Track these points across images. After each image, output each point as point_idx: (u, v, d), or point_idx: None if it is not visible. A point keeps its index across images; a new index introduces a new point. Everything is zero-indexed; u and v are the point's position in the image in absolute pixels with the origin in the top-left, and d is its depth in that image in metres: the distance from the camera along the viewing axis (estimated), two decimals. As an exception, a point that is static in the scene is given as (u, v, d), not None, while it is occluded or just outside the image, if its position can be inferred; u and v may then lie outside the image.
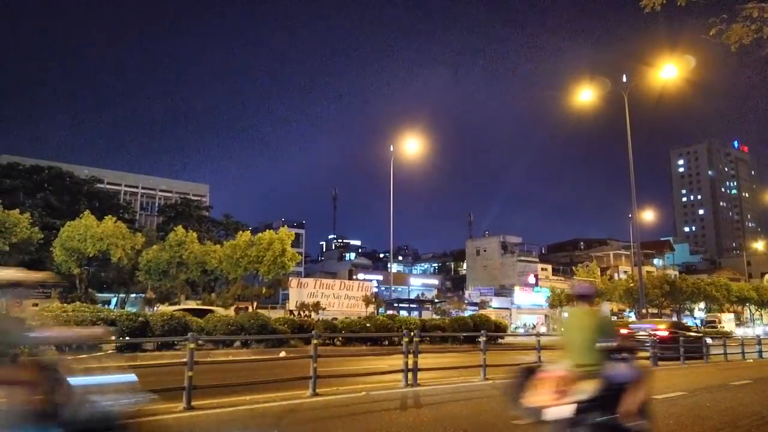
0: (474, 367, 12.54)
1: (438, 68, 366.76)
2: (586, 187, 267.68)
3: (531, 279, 73.11)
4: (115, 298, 41.30)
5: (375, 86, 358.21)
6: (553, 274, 77.49)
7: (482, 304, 63.47)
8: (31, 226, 26.19)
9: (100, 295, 38.09)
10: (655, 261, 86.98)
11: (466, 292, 72.76)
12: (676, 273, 74.55)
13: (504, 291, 71.54)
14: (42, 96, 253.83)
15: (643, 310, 42.91)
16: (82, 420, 3.32)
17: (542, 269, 77.59)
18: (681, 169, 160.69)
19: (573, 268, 63.92)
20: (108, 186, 63.62)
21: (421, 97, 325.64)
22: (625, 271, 71.07)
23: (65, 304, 16.59)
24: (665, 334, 20.18)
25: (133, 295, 39.74)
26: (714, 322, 56.21)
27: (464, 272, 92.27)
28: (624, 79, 34.26)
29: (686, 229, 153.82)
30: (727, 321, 59.03)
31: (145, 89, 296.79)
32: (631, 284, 53.20)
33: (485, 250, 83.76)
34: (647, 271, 65.03)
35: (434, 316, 44.35)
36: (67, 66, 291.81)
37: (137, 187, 75.68)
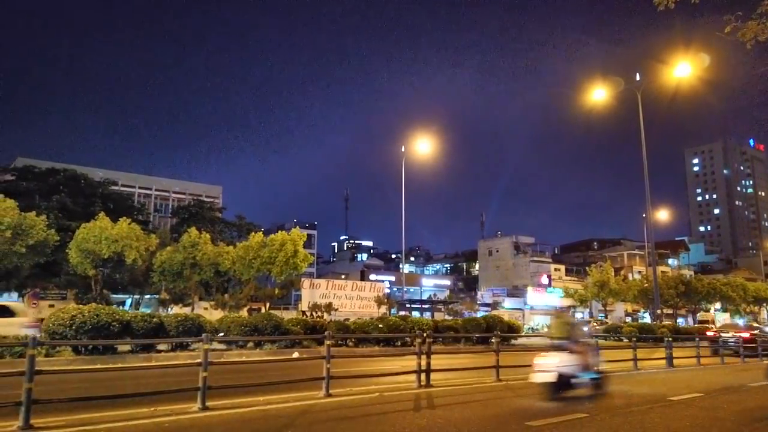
0: (487, 368, 12.50)
1: (450, 68, 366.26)
2: (599, 186, 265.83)
3: (544, 279, 72.74)
4: (130, 300, 41.68)
5: (387, 87, 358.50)
6: (566, 275, 77.02)
7: (495, 305, 63.25)
8: (47, 228, 26.46)
9: (114, 296, 38.45)
10: (670, 261, 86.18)
11: (479, 293, 72.56)
12: (692, 273, 73.78)
13: (517, 292, 71.24)
14: (56, 99, 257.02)
15: (658, 311, 42.52)
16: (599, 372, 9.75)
17: (555, 269, 77.15)
18: (696, 168, 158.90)
19: (586, 268, 63.44)
20: (122, 188, 64.23)
21: (433, 98, 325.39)
22: (640, 272, 70.47)
23: (81, 305, 16.75)
24: (747, 335, 25.56)
25: (147, 297, 40.08)
26: (707, 322, 54.87)
27: (476, 273, 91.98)
28: (637, 77, 33.98)
29: (701, 228, 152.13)
30: (722, 321, 57.67)
31: (158, 92, 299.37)
32: (646, 284, 52.75)
33: (498, 251, 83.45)
34: (662, 272, 64.43)
35: (447, 317, 44.29)
36: (81, 70, 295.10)
37: (151, 189, 76.33)
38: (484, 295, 70.03)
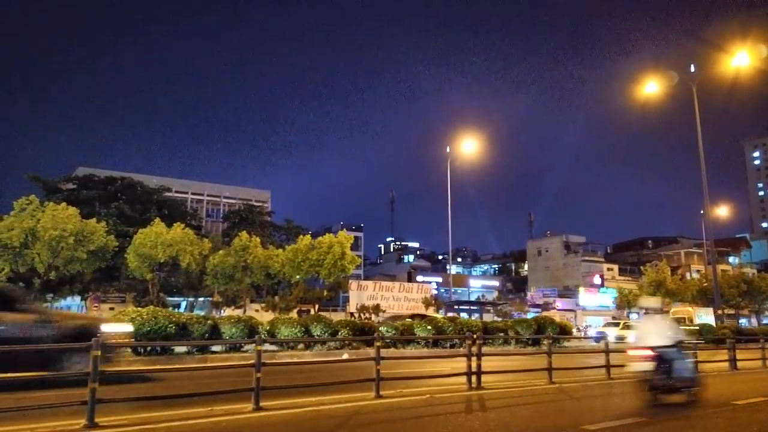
0: (539, 371, 12.26)
1: (497, 68, 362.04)
2: (653, 183, 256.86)
3: (596, 279, 70.87)
4: (185, 302, 43.00)
5: (433, 88, 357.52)
6: (619, 274, 74.81)
7: (545, 306, 62.05)
8: (107, 234, 27.56)
9: (170, 299, 39.75)
10: (731, 259, 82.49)
11: (528, 294, 71.31)
12: (754, 271, 70.32)
13: (568, 292, 69.66)
14: (114, 110, 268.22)
15: (719, 311, 40.74)
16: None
17: (608, 269, 75.05)
18: (756, 162, 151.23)
19: (641, 267, 61.45)
20: (176, 194, 66.32)
21: (479, 97, 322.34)
22: (698, 271, 67.72)
23: (140, 308, 17.39)
24: None
25: (201, 299, 41.25)
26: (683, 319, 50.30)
27: (525, 273, 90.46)
28: (692, 69, 32.72)
29: (764, 224, 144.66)
30: (706, 316, 50.23)
31: (209, 101, 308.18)
32: (705, 284, 50.71)
33: (547, 251, 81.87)
34: (722, 270, 61.74)
35: (496, 318, 43.72)
36: (138, 81, 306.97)
37: (203, 195, 78.55)
38: (533, 295, 68.77)
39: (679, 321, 45.21)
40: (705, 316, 48.13)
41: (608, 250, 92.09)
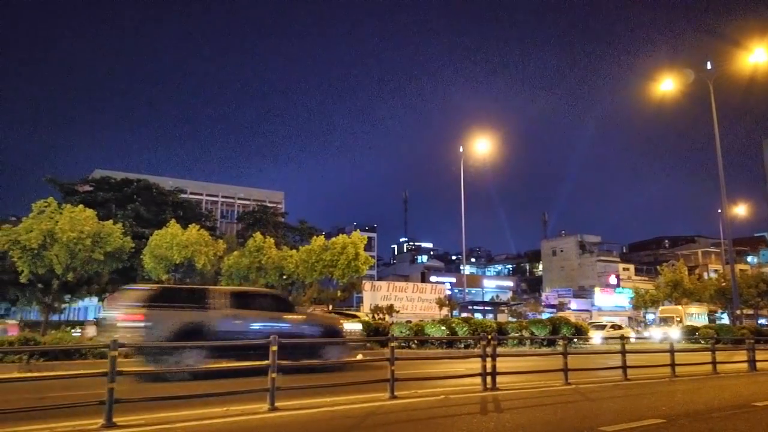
0: (555, 371, 12.18)
1: (510, 67, 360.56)
2: (670, 182, 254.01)
3: (612, 279, 70.29)
4: (200, 303, 43.28)
5: (447, 88, 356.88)
6: (636, 274, 74.14)
7: (560, 306, 61.67)
8: (123, 236, 27.83)
9: (186, 300, 40.01)
10: (749, 258, 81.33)
11: (543, 294, 70.96)
12: (774, 271, 69.25)
13: (583, 292, 69.17)
14: (130, 112, 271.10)
15: (738, 311, 40.18)
16: None
17: (624, 269, 74.41)
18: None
19: (657, 267, 60.81)
20: (191, 196, 66.82)
21: (493, 97, 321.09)
22: (716, 270, 66.85)
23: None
24: None
25: (216, 300, 41.48)
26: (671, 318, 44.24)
27: (540, 273, 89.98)
28: (708, 66, 32.32)
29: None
30: (698, 316, 46.78)
31: (222, 102, 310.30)
32: (723, 284, 50.01)
33: (562, 251, 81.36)
34: (740, 270, 60.85)
35: (510, 319, 43.52)
36: (154, 85, 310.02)
37: (217, 196, 79.11)
38: (548, 296, 68.39)
39: (667, 321, 44.31)
40: (698, 317, 46.60)
41: (624, 250, 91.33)
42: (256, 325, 13.32)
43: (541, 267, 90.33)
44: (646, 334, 31.87)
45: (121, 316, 11.99)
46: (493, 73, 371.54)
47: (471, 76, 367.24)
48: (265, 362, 8.37)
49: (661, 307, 48.38)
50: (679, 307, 47.11)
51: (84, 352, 13.92)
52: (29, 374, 11.92)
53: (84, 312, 49.11)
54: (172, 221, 31.18)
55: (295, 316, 14.16)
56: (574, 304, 64.54)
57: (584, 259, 77.54)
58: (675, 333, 33.71)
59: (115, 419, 6.90)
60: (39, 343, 13.56)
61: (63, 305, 32.78)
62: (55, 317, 34.77)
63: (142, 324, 11.91)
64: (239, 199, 79.85)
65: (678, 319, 43.03)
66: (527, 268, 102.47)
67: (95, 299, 38.03)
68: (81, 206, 26.72)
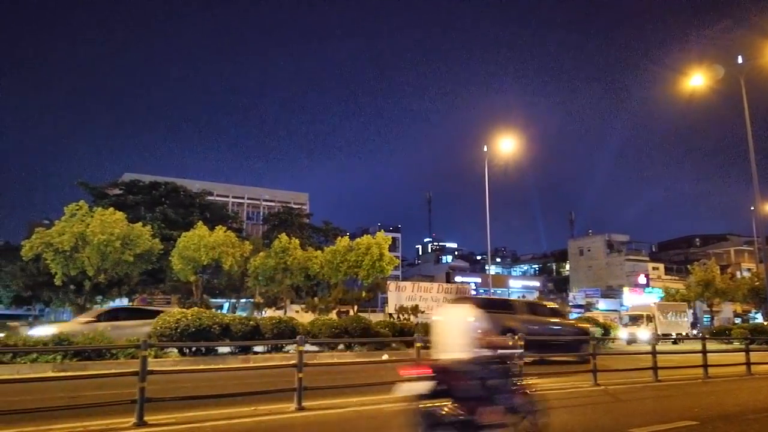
0: (583, 372, 12.02)
1: (535, 63, 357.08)
2: (700, 179, 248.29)
3: (641, 279, 69.04)
4: (227, 303, 43.85)
5: (471, 88, 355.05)
6: (666, 274, 72.71)
7: (588, 307, 60.81)
8: (152, 238, 28.30)
9: (213, 300, 40.58)
10: (785, 257, 78.97)
11: (570, 294, 70.08)
12: (811, 269, 67.18)
13: (611, 292, 68.10)
14: (159, 116, 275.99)
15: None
16: None
17: (653, 268, 73.05)
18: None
19: (688, 266, 59.53)
20: (217, 198, 67.71)
21: (517, 95, 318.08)
22: (749, 269, 65.14)
23: (185, 310, 17.81)
24: None
25: (243, 300, 41.97)
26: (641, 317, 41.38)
27: (567, 273, 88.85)
28: (740, 60, 31.53)
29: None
30: (677, 317, 42.84)
31: (248, 106, 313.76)
32: (757, 282, 48.72)
33: (589, 250, 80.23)
34: (775, 268, 59.14)
35: (537, 319, 42.98)
36: (181, 89, 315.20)
37: (243, 198, 79.99)
38: (576, 296, 67.52)
39: (637, 320, 40.78)
40: (675, 316, 42.86)
41: (653, 249, 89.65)
42: (541, 327, 17.56)
43: (567, 267, 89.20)
44: (621, 335, 30.31)
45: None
46: (519, 72, 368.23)
47: (497, 75, 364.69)
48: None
49: (631, 305, 46.59)
50: (652, 304, 44.57)
51: (115, 352, 14.21)
52: (63, 374, 12.22)
53: (115, 313, 50.01)
54: (200, 223, 31.61)
55: (564, 321, 18.81)
56: (602, 304, 63.61)
57: (612, 259, 76.33)
58: (644, 334, 31.80)
59: (146, 418, 7.04)
60: (72, 343, 13.89)
61: (95, 306, 33.44)
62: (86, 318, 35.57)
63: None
64: (264, 200, 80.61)
65: (649, 318, 40.75)
66: (554, 267, 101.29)
67: (125, 300, 38.76)
68: (111, 209, 27.26)
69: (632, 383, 12.27)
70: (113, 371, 11.32)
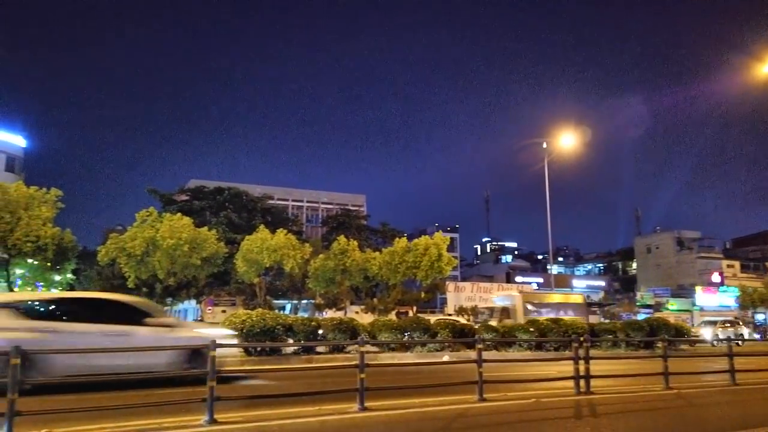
0: (654, 375, 11.53)
1: (596, 57, 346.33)
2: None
3: (715, 277, 65.57)
4: (289, 304, 44.84)
5: (530, 84, 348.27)
6: (741, 271, 68.74)
7: (657, 306, 58.34)
8: (217, 242, 29.34)
9: (276, 301, 41.59)
10: None
11: (638, 294, 67.38)
12: None
13: (682, 291, 65.04)
14: (221, 123, 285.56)
15: None
16: None
17: (728, 266, 69.21)
18: None
19: (766, 263, 56.12)
20: (277, 201, 69.36)
21: (579, 91, 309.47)
22: (836, 266, 60.66)
23: (249, 311, 18.35)
24: None
25: (304, 301, 42.80)
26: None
27: (634, 272, 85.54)
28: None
29: None
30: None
31: (305, 110, 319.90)
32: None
33: (657, 248, 76.90)
34: None
35: (603, 320, 41.72)
36: (241, 98, 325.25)
37: (302, 201, 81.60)
38: (644, 295, 64.86)
39: (730, 323, 35.58)
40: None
41: (727, 246, 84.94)
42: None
43: (634, 265, 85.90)
44: (705, 335, 28.12)
45: None
46: (580, 67, 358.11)
47: (557, 71, 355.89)
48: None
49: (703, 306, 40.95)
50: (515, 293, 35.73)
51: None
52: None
53: (184, 314, 52.13)
54: (261, 227, 32.48)
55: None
56: (673, 304, 60.89)
57: (682, 256, 72.88)
58: (730, 334, 29.38)
59: (216, 416, 7.28)
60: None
61: (165, 308, 34.99)
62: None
63: None
64: (323, 203, 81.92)
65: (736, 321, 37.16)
66: (620, 266, 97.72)
67: (193, 302, 40.30)
68: (179, 215, 28.44)
69: (707, 387, 11.68)
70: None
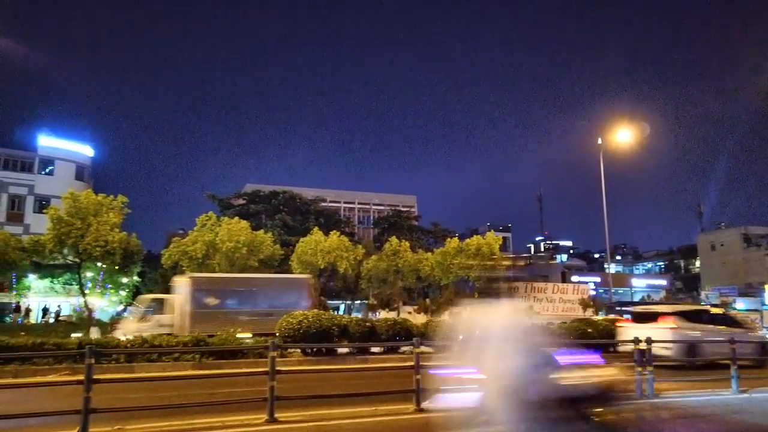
0: (723, 379, 11.07)
1: (652, 50, 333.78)
2: None
3: (787, 275, 62.00)
4: (343, 305, 45.36)
5: (584, 78, 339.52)
6: (818, 269, 64.67)
7: (723, 306, 55.70)
8: (273, 244, 30.08)
9: (330, 302, 42.16)
10: None
11: (702, 293, 64.53)
12: None
13: (751, 290, 61.82)
14: (275, 128, 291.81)
15: None
16: None
17: (801, 263, 65.26)
18: None
19: None
20: (330, 204, 70.25)
21: (636, 85, 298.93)
22: None
23: (305, 311, 18.67)
24: None
25: (358, 302, 43.18)
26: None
27: (697, 270, 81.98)
28: None
29: None
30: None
31: (353, 113, 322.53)
32: None
33: (722, 245, 73.40)
34: None
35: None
36: (293, 104, 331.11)
37: (354, 203, 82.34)
38: (708, 295, 62.04)
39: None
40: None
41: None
42: None
43: (697, 263, 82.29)
44: None
45: None
46: (634, 62, 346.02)
47: (613, 62, 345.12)
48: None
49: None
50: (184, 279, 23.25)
51: (246, 352, 15.26)
52: (201, 372, 13.34)
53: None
54: (315, 229, 33.04)
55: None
56: (740, 303, 57.95)
57: (750, 253, 69.23)
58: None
59: (276, 414, 7.51)
60: (208, 344, 15.13)
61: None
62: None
63: None
64: (374, 204, 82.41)
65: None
66: (682, 264, 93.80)
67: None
68: (236, 218, 29.32)
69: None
70: (247, 370, 12.15)
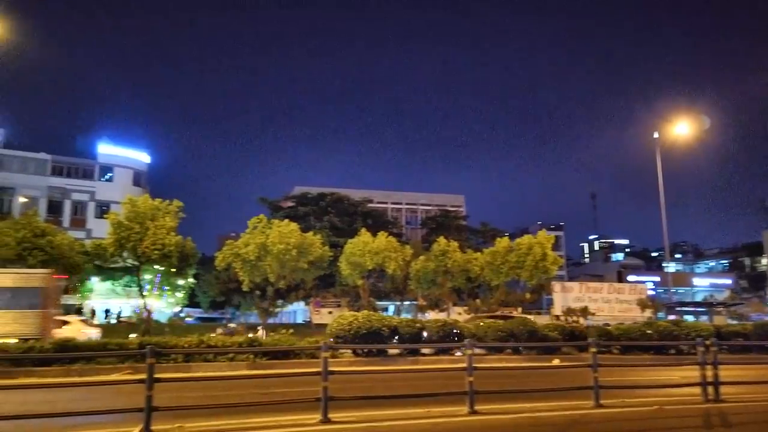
0: None
1: (710, 40, 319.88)
2: None
3: None
4: (392, 306, 45.42)
5: (640, 71, 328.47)
6: None
7: (792, 306, 52.73)
8: (322, 246, 30.36)
9: (379, 303, 42.28)
10: None
11: (770, 292, 61.33)
12: None
13: (823, 289, 58.32)
14: (319, 128, 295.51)
15: None
16: None
17: None
18: None
19: None
20: (377, 205, 70.46)
21: (691, 72, 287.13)
22: None
23: (355, 312, 18.81)
24: None
25: (407, 303, 43.14)
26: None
27: (763, 268, 77.90)
28: None
29: None
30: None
31: (401, 115, 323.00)
32: None
33: (791, 241, 69.50)
34: None
35: (729, 321, 38.41)
36: (339, 106, 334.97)
37: (401, 204, 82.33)
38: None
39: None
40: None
41: None
42: None
43: (764, 261, 78.19)
44: None
45: None
46: (695, 49, 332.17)
47: (670, 59, 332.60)
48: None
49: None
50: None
51: (298, 353, 15.47)
52: (255, 372, 13.59)
53: (293, 315, 54.40)
54: (363, 230, 33.16)
55: None
56: (812, 303, 54.76)
57: (823, 250, 65.33)
58: None
59: (329, 415, 7.54)
60: (261, 345, 15.42)
61: (277, 309, 36.71)
62: (270, 320, 39.27)
63: None
64: (422, 205, 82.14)
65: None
66: (747, 263, 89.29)
67: (302, 303, 41.95)
68: (286, 221, 29.73)
69: None
70: (298, 371, 12.30)
